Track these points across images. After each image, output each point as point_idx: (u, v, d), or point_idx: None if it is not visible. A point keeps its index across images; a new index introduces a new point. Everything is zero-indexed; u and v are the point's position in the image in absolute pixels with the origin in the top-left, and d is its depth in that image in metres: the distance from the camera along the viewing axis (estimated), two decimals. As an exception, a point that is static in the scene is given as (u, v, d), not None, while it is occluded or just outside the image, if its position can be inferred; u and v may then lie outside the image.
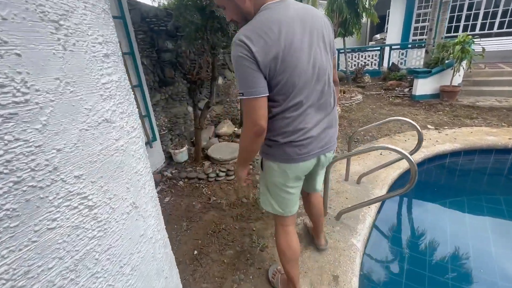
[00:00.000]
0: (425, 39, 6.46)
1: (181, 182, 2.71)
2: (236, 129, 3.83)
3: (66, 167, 0.42)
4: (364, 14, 6.10)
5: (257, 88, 0.86)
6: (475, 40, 4.94)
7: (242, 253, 1.74)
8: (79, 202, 0.45)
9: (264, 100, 0.89)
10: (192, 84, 2.93)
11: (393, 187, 2.49)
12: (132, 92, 0.63)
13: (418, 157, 2.80)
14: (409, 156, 1.41)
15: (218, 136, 3.70)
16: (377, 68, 8.50)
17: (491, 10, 7.52)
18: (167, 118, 3.32)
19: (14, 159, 0.36)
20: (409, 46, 7.93)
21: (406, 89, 6.08)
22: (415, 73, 5.53)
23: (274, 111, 0.97)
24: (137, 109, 0.64)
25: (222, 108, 4.63)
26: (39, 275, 0.40)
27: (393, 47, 8.11)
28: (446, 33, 7.40)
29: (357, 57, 8.75)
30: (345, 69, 7.57)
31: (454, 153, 3.07)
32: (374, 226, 2.03)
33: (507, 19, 7.32)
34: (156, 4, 4.16)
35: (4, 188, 0.35)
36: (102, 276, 0.50)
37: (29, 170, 0.37)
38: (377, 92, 6.45)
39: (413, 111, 4.71)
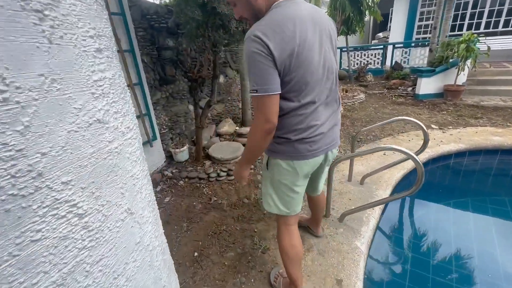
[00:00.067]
0: (429, 38, 6.39)
1: (181, 182, 2.68)
2: (237, 128, 3.79)
3: (52, 172, 0.38)
4: (367, 12, 6.04)
5: (272, 85, 0.85)
6: (480, 38, 4.88)
7: (243, 255, 1.71)
8: (67, 211, 0.41)
9: (278, 98, 0.89)
10: (193, 83, 2.89)
11: (397, 188, 2.45)
12: (128, 91, 0.59)
13: (422, 157, 2.75)
14: (416, 157, 1.37)
15: (219, 135, 3.66)
16: (380, 67, 8.43)
17: (496, 8, 7.43)
18: (167, 116, 3.28)
19: (-9, 165, 0.32)
20: (413, 44, 7.86)
21: (409, 88, 6.03)
22: (418, 72, 5.47)
23: (287, 109, 0.95)
24: (133, 109, 0.60)
25: (223, 106, 4.59)
26: (22, 292, 0.36)
27: (396, 45, 8.03)
28: (450, 31, 7.33)
29: (359, 56, 8.69)
30: (347, 68, 7.51)
31: (459, 154, 3.03)
32: (378, 228, 1.98)
33: (512, 18, 7.24)
34: (156, 1, 4.11)
35: (-21, 198, 0.31)
36: (94, 289, 0.47)
37: (8, 177, 0.34)
38: (380, 91, 6.39)
39: (416, 110, 4.65)
